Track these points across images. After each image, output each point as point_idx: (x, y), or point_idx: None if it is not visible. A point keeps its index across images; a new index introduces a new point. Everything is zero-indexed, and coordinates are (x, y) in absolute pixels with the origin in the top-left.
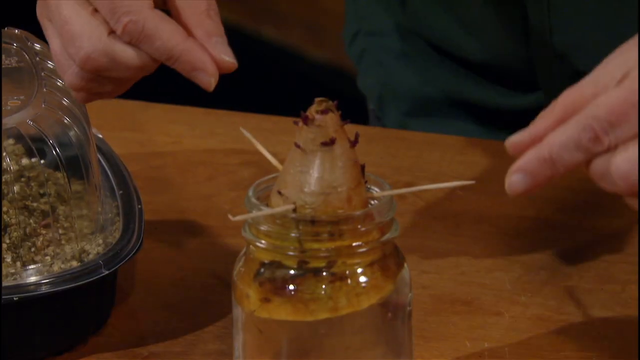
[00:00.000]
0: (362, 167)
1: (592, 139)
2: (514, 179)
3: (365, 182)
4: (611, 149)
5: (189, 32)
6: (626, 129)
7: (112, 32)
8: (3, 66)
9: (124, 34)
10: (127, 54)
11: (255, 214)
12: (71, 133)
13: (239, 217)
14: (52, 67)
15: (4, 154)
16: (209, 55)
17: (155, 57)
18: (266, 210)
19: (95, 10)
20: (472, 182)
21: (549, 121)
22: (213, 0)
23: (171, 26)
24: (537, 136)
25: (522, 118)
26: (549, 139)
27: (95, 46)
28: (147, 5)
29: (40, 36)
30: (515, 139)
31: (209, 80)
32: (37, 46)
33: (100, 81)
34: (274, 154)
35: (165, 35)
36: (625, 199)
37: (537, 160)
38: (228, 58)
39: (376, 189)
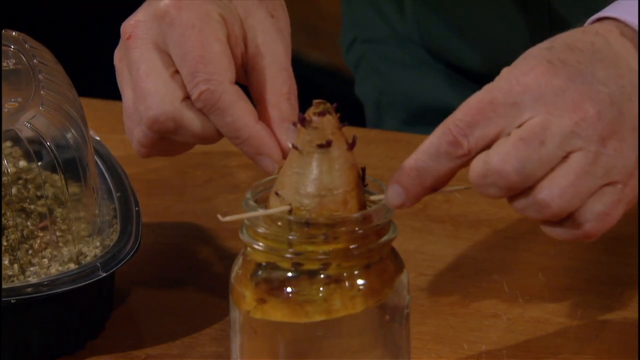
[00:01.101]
0: (363, 170)
1: (450, 143)
2: (390, 192)
3: (365, 185)
4: (474, 151)
5: (264, 109)
6: (485, 128)
7: (186, 97)
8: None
9: (198, 101)
10: (195, 122)
11: (245, 215)
12: (69, 135)
13: (228, 218)
14: (49, 69)
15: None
16: (275, 140)
17: (221, 132)
18: (257, 212)
19: (176, 72)
20: (470, 187)
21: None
22: (295, 85)
23: (246, 106)
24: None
25: None
26: (417, 149)
27: (165, 109)
28: (229, 79)
29: (37, 38)
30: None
31: (273, 167)
32: (35, 48)
33: (165, 142)
34: None
35: (238, 113)
36: (512, 204)
37: (405, 171)
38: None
39: (374, 191)
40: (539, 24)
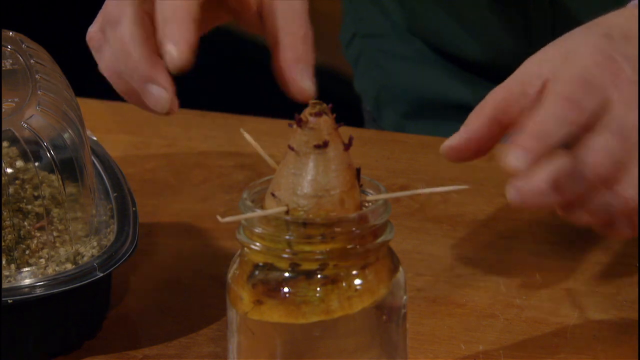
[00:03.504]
0: (358, 170)
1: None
2: (513, 156)
3: (361, 185)
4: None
5: (279, 51)
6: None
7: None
8: None
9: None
10: (154, 91)
11: (244, 215)
12: (65, 135)
13: (228, 219)
14: (46, 69)
15: None
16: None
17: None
18: (256, 212)
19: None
20: (467, 186)
21: (482, 120)
22: (311, 32)
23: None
24: (473, 137)
25: None
26: (534, 119)
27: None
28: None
29: (34, 38)
30: (451, 143)
31: (165, 99)
32: (32, 48)
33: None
34: (269, 157)
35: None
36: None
37: (531, 136)
38: (307, 86)
39: (371, 191)
40: (539, 14)
